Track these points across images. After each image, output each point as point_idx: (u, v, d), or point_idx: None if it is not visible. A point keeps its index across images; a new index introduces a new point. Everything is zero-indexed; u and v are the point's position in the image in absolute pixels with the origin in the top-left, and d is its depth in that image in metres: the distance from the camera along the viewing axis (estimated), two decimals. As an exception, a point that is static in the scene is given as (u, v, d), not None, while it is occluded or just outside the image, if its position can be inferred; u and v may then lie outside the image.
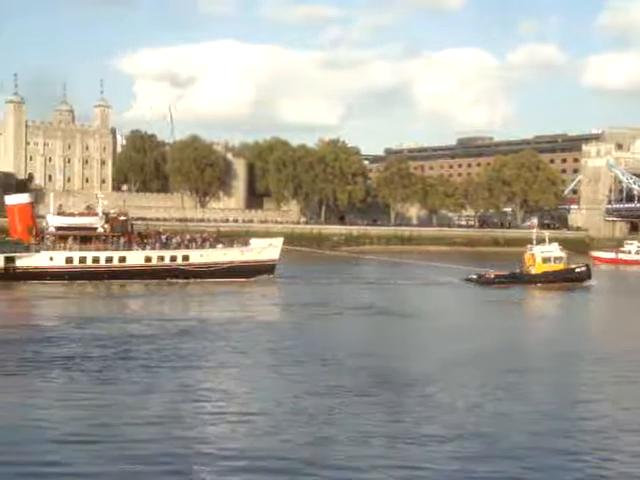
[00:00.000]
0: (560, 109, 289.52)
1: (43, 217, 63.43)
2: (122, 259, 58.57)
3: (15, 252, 56.77)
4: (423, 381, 26.04)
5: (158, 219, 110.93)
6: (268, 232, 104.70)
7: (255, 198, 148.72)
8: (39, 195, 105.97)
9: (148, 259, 59.25)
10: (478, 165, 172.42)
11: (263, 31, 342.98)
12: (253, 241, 64.37)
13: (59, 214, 61.35)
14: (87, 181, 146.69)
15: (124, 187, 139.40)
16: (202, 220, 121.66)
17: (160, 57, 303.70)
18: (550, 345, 36.10)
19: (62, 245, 58.08)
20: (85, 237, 58.85)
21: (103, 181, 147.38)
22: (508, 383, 26.29)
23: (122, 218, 61.03)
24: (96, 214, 60.85)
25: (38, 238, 58.69)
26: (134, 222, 65.84)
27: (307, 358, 29.86)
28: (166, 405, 22.24)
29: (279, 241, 64.16)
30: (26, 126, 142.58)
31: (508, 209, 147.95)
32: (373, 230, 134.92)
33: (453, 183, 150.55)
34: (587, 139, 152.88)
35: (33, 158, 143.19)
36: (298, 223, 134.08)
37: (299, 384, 25.46)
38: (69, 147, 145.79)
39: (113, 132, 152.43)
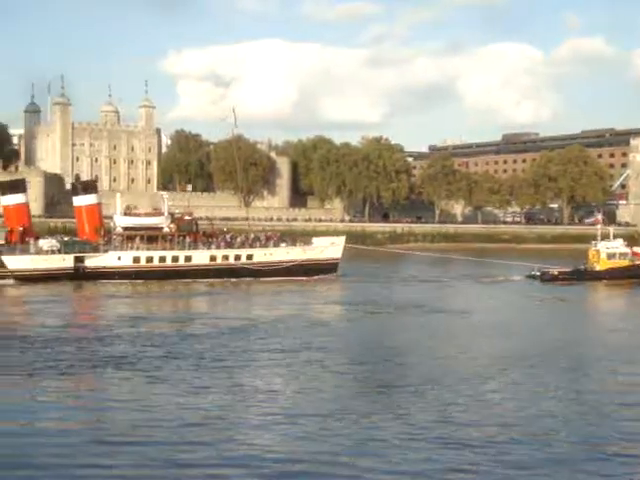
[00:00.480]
0: (608, 103, 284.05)
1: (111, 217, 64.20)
2: (188, 258, 59.13)
3: (84, 252, 57.67)
4: (476, 380, 25.92)
5: (201, 218, 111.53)
6: (315, 230, 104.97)
7: (299, 196, 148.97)
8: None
9: (213, 258, 59.73)
10: (523, 161, 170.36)
11: (304, 30, 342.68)
12: (316, 240, 64.55)
13: (126, 214, 61.99)
14: (132, 181, 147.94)
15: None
16: (247, 219, 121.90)
17: (203, 57, 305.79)
18: (612, 343, 35.40)
19: (129, 245, 58.85)
20: (151, 237, 59.56)
21: (148, 181, 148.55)
22: (564, 382, 26.01)
23: (188, 218, 61.62)
24: (162, 214, 61.46)
25: (106, 238, 59.52)
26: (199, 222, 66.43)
27: (361, 358, 30.10)
28: (215, 405, 22.51)
29: (341, 240, 64.20)
30: (72, 127, 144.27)
31: (555, 205, 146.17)
32: (417, 228, 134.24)
33: (498, 179, 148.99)
34: (635, 133, 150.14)
35: (79, 159, 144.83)
36: (342, 221, 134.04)
37: (349, 383, 25.61)
38: (114, 148, 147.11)
39: (158, 132, 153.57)
